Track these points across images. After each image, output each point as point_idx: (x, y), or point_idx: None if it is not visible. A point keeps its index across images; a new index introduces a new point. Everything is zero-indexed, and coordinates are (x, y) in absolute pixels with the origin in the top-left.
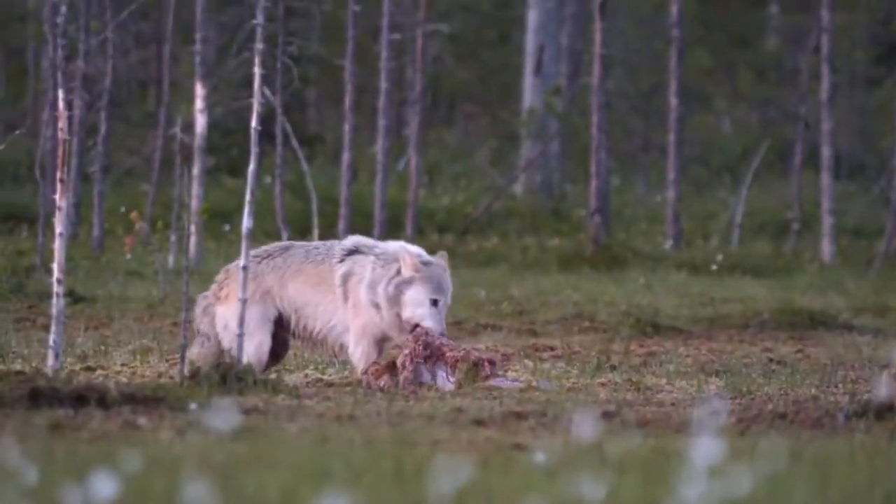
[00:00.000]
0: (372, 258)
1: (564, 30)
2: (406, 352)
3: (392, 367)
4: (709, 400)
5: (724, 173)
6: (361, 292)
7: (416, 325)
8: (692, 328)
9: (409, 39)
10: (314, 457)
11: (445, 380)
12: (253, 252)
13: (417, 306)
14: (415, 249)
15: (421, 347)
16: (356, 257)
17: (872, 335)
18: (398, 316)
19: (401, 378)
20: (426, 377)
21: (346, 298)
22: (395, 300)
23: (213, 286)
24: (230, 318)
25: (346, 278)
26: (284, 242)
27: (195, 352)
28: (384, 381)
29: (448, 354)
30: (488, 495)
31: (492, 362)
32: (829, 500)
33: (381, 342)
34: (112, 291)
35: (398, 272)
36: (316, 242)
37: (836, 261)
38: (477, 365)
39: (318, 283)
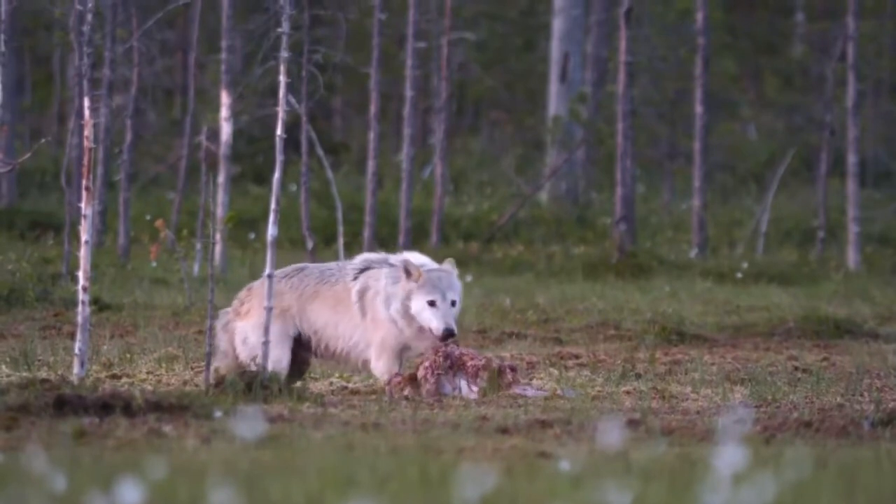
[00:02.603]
0: (385, 271)
1: (590, 37)
2: (427, 364)
3: (414, 379)
4: (734, 408)
5: (749, 181)
6: (379, 307)
7: (428, 329)
8: (717, 336)
9: (435, 47)
10: (339, 464)
11: (468, 389)
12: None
13: (420, 312)
14: (418, 260)
15: (441, 358)
16: (369, 272)
17: None
18: (420, 328)
19: (423, 390)
20: (448, 388)
21: (364, 314)
22: (408, 314)
23: (235, 302)
24: (250, 332)
25: (361, 294)
26: (299, 264)
27: (218, 367)
28: (407, 392)
29: (469, 364)
30: (513, 503)
31: (513, 369)
32: None
33: (403, 352)
34: (137, 299)
35: (403, 287)
36: (329, 264)
37: (861, 268)
38: (500, 372)
39: (336, 303)
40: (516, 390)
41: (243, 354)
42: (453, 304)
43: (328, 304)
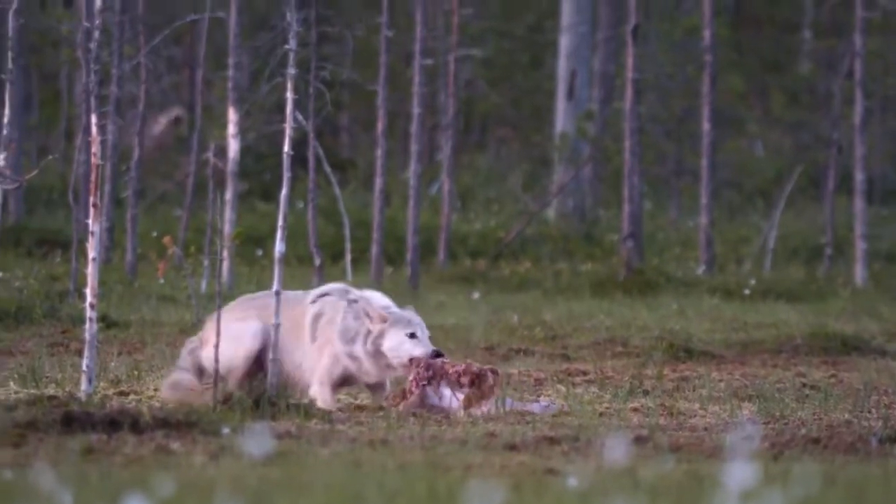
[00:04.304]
0: (344, 304)
1: (597, 54)
2: (410, 378)
3: (405, 395)
4: (742, 424)
5: (756, 198)
6: (333, 336)
7: (410, 359)
8: (725, 353)
9: (442, 64)
10: (347, 481)
11: (452, 398)
12: (240, 298)
13: (399, 346)
14: (381, 301)
15: (423, 370)
16: (328, 299)
17: None
18: (386, 366)
19: (407, 403)
20: (433, 399)
21: (313, 338)
22: (377, 354)
23: (200, 332)
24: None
25: (315, 318)
26: (267, 291)
27: (175, 379)
28: (402, 407)
29: (451, 371)
30: None
31: (495, 371)
32: None
33: (344, 383)
34: (145, 316)
35: (367, 331)
36: (298, 291)
37: (869, 285)
38: (480, 376)
39: (292, 327)
40: (525, 406)
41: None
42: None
43: (286, 326)
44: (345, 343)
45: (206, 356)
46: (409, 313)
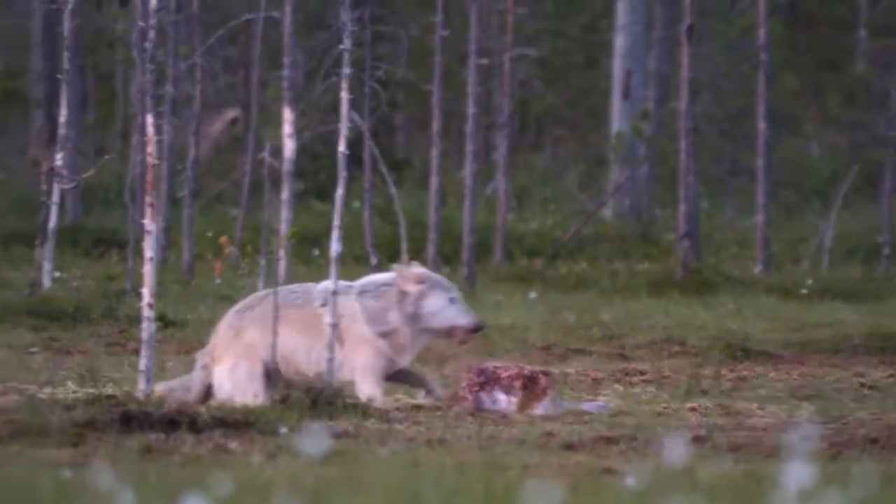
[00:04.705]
0: (353, 296)
1: (652, 54)
2: (463, 384)
3: (458, 399)
4: (800, 425)
5: (813, 197)
6: (361, 329)
7: (452, 328)
8: (783, 353)
9: (497, 64)
10: (404, 481)
11: (507, 402)
12: (236, 307)
13: (442, 310)
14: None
15: (475, 375)
16: (338, 300)
17: None
18: (422, 331)
19: (461, 409)
20: (487, 403)
21: (342, 343)
22: (416, 318)
23: (208, 346)
24: (224, 379)
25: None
26: (263, 291)
27: (172, 385)
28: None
29: (503, 376)
30: None
31: (546, 374)
32: None
33: (386, 371)
34: (202, 316)
35: (402, 294)
36: (293, 286)
37: None
38: (533, 379)
39: (305, 327)
40: (583, 406)
41: (218, 397)
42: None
43: (297, 328)
44: (377, 324)
45: (217, 382)
46: (441, 276)
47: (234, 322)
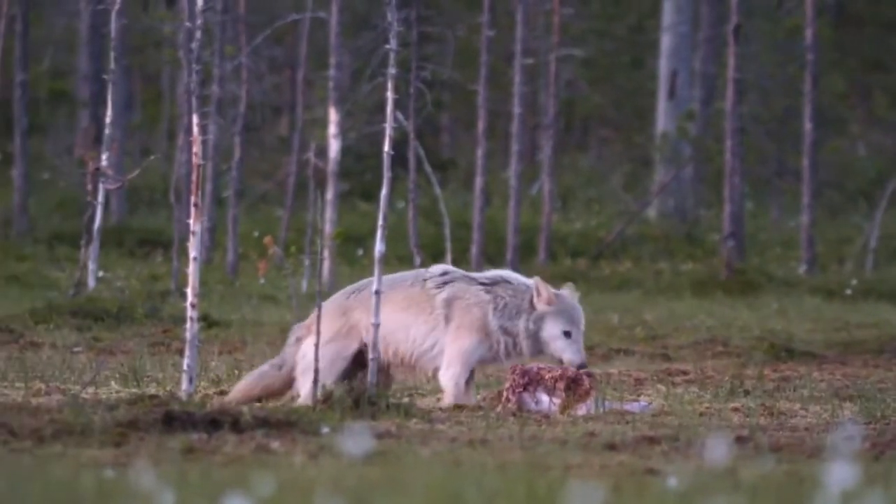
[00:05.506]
0: (478, 284)
1: (698, 54)
2: (507, 385)
3: (500, 397)
4: (843, 425)
5: (858, 198)
6: (480, 315)
7: (559, 359)
8: (826, 353)
9: (543, 64)
10: (446, 481)
11: (550, 403)
12: (345, 289)
13: (553, 340)
14: (519, 280)
15: (518, 376)
16: (457, 283)
17: None
18: (538, 351)
19: (504, 411)
20: (531, 405)
21: (447, 321)
22: (535, 336)
23: (306, 321)
24: (308, 350)
25: (449, 302)
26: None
27: (263, 370)
28: (501, 408)
29: (547, 377)
30: None
31: (590, 375)
32: None
33: (474, 366)
34: (246, 316)
35: (531, 304)
36: (406, 272)
37: None
38: (576, 380)
39: (408, 305)
40: (625, 406)
41: (297, 369)
42: (581, 334)
43: (400, 305)
44: (506, 319)
45: (303, 352)
46: (574, 305)
47: (342, 301)
